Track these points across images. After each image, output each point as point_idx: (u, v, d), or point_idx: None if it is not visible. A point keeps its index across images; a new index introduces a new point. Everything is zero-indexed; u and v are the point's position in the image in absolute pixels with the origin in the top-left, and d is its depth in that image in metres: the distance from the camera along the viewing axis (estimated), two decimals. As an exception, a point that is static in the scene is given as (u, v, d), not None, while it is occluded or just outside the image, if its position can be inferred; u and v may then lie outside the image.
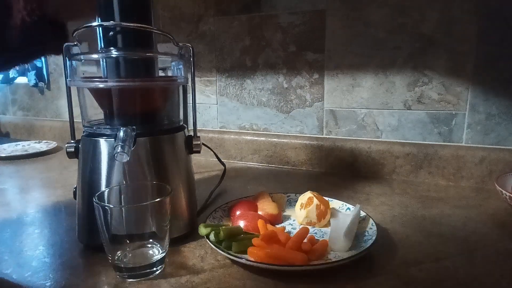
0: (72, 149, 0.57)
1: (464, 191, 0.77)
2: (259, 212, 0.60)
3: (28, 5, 0.52)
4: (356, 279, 0.45)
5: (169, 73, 0.63)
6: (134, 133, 0.51)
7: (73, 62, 0.55)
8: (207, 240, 0.50)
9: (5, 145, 1.23)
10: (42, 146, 1.21)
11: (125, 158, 0.48)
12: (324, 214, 0.58)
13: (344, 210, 0.62)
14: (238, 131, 1.04)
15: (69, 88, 0.58)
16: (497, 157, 0.77)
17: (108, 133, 0.53)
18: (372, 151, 0.87)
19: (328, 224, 0.58)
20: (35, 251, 0.53)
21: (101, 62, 0.55)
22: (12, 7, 0.52)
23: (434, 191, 0.77)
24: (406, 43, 0.82)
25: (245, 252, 0.48)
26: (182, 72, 0.60)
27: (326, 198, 0.62)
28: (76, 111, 0.57)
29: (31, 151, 1.14)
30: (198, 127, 1.09)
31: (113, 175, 0.52)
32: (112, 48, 0.54)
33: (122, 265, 0.46)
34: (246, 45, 0.98)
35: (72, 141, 0.57)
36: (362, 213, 0.58)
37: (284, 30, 0.93)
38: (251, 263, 0.45)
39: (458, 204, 0.69)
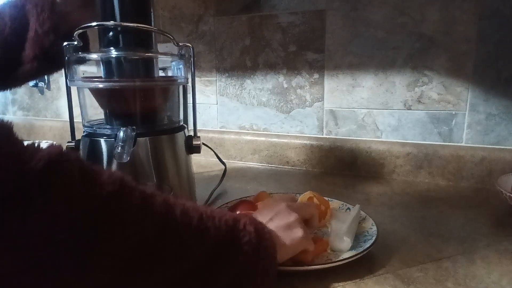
0: (72, 149, 0.57)
1: (464, 191, 0.76)
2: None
3: (40, 16, 0.54)
4: (356, 279, 0.45)
5: (169, 73, 0.63)
6: (134, 133, 0.51)
7: (74, 62, 0.55)
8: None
9: (5, 145, 1.23)
10: (42, 146, 1.21)
11: (125, 158, 0.48)
12: (324, 214, 0.58)
13: (344, 210, 0.62)
14: (238, 131, 1.04)
15: (69, 88, 0.58)
16: (497, 157, 0.77)
17: (108, 133, 0.53)
18: (372, 151, 0.87)
19: (328, 224, 0.58)
20: (35, 251, 0.53)
21: (101, 62, 0.55)
22: (29, 21, 0.54)
23: (434, 191, 0.76)
24: (406, 43, 0.82)
25: None
26: (182, 72, 0.60)
27: (326, 198, 0.62)
28: (76, 111, 0.57)
29: (31, 151, 1.14)
30: (198, 127, 1.09)
31: (113, 175, 0.52)
32: (112, 48, 0.54)
33: (122, 265, 0.46)
34: (246, 45, 0.98)
35: (72, 141, 0.57)
36: (362, 213, 0.58)
37: (284, 30, 0.93)
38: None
39: (458, 204, 0.69)
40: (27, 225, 0.25)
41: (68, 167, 0.28)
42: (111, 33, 0.54)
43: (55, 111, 1.37)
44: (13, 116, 1.48)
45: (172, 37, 0.56)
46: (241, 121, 1.03)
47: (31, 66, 0.57)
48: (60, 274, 0.27)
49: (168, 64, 0.63)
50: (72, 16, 0.58)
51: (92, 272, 0.28)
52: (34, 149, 0.27)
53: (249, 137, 1.00)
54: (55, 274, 0.27)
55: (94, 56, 0.57)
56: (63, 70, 0.58)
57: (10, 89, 0.63)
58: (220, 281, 0.35)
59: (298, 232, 0.43)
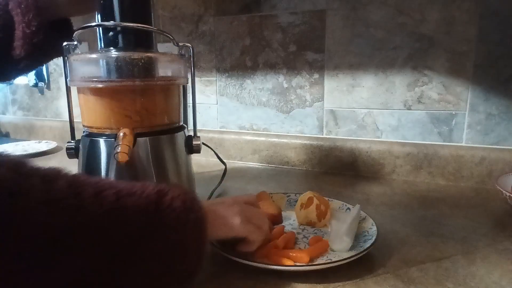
0: (72, 149, 0.57)
1: (464, 191, 0.76)
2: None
3: (26, 16, 0.54)
4: (356, 279, 0.45)
5: (169, 73, 0.63)
6: (134, 133, 0.51)
7: (73, 62, 0.55)
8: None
9: (5, 145, 1.23)
10: (42, 146, 1.21)
11: (125, 158, 0.48)
12: (324, 214, 0.58)
13: (344, 210, 0.62)
14: (238, 131, 1.04)
15: (69, 88, 0.58)
16: (497, 157, 0.77)
17: (108, 133, 0.53)
18: (372, 151, 0.87)
19: (328, 224, 0.58)
20: (35, 251, 0.53)
21: (101, 62, 0.55)
22: (14, 20, 0.55)
23: (434, 191, 0.77)
24: (406, 43, 0.82)
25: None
26: (182, 72, 0.60)
27: (326, 198, 0.62)
28: (76, 111, 0.57)
29: (31, 151, 1.14)
30: (198, 127, 1.09)
31: (113, 175, 0.52)
32: (112, 48, 0.54)
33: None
34: (246, 45, 0.98)
35: (72, 141, 0.57)
36: (362, 213, 0.58)
37: (284, 30, 0.93)
38: (251, 263, 0.45)
39: (458, 204, 0.69)
40: None
41: None
42: (111, 33, 0.54)
43: (55, 111, 1.37)
44: (13, 116, 1.48)
45: (172, 37, 0.56)
46: (241, 121, 1.03)
47: (25, 64, 0.58)
48: None
49: (168, 64, 0.63)
50: (58, 8, 0.59)
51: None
52: None
53: (249, 137, 1.00)
54: None
55: (94, 56, 0.57)
56: (61, 70, 0.58)
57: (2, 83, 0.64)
58: (148, 260, 0.33)
59: (236, 219, 0.44)
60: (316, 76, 0.92)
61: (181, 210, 0.36)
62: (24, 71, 0.61)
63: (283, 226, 0.57)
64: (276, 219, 0.59)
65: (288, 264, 0.46)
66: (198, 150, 0.61)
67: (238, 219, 0.44)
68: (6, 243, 0.27)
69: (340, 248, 0.49)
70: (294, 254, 0.47)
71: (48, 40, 0.57)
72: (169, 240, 0.35)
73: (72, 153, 0.57)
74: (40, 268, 0.28)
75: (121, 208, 0.33)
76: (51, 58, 0.62)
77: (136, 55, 0.53)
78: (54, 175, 0.31)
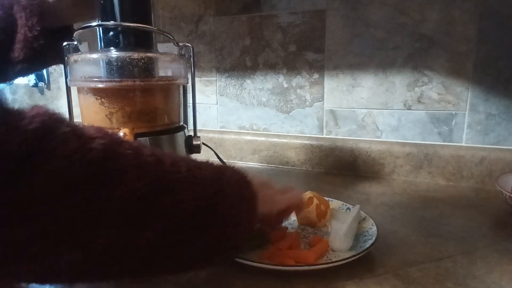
0: (72, 149, 0.56)
1: (464, 191, 0.76)
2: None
3: (29, 21, 0.55)
4: (356, 279, 0.45)
5: (169, 73, 0.63)
6: (134, 133, 0.51)
7: (73, 62, 0.55)
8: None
9: (5, 145, 1.23)
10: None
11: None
12: (324, 214, 0.58)
13: (344, 210, 0.62)
14: (238, 131, 1.04)
15: (69, 88, 0.58)
16: (497, 157, 0.77)
17: (108, 133, 0.53)
18: (372, 151, 0.87)
19: (328, 224, 0.58)
20: (35, 251, 0.53)
21: (101, 62, 0.55)
22: (17, 23, 0.55)
23: (434, 191, 0.76)
24: (406, 43, 0.82)
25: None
26: (182, 72, 0.60)
27: (326, 198, 0.62)
28: (76, 111, 0.57)
29: (31, 151, 1.14)
30: (198, 127, 1.09)
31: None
32: (112, 48, 0.54)
33: (122, 265, 0.46)
34: (246, 45, 0.98)
35: (72, 141, 0.57)
36: (362, 213, 0.58)
37: (284, 30, 0.93)
38: (251, 263, 0.45)
39: (458, 204, 0.69)
40: (30, 185, 0.25)
41: (60, 124, 0.28)
42: (111, 33, 0.54)
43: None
44: (13, 116, 1.48)
45: (172, 37, 0.56)
46: (241, 121, 1.03)
47: (22, 67, 0.58)
48: (66, 234, 0.27)
49: (168, 64, 0.63)
50: (62, 14, 0.59)
51: (96, 230, 0.28)
52: (21, 110, 0.27)
53: (249, 137, 1.00)
54: (62, 235, 0.27)
55: (94, 56, 0.57)
56: (61, 70, 0.58)
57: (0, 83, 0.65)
58: (208, 231, 0.35)
59: (277, 196, 0.49)
60: (316, 76, 0.92)
61: (237, 186, 0.39)
62: (21, 74, 0.61)
63: (286, 227, 0.57)
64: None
65: (288, 264, 0.46)
66: (198, 150, 0.61)
67: (280, 195, 0.49)
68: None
69: (340, 248, 0.49)
70: (299, 256, 0.47)
71: (47, 46, 0.57)
72: (226, 212, 0.37)
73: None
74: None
75: (192, 176, 0.35)
76: (48, 64, 0.63)
77: (136, 55, 0.53)
78: (141, 146, 0.34)
